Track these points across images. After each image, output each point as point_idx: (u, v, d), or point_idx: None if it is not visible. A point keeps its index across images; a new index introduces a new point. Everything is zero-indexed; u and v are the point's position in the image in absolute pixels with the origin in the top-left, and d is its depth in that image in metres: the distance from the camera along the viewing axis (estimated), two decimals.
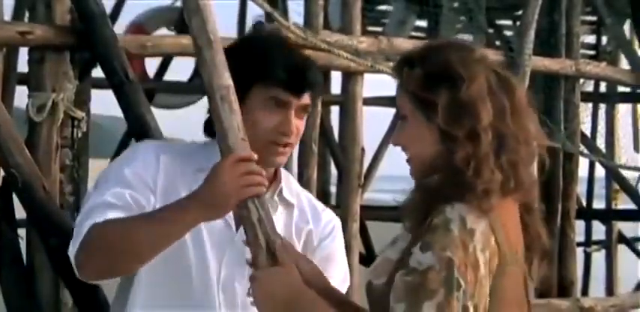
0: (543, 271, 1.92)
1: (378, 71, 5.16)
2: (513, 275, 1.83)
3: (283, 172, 2.21)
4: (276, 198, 2.16)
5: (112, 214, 2.00)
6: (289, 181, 2.22)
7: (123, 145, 6.95)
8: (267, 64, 2.06)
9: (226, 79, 1.95)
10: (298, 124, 2.10)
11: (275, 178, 2.17)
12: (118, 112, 4.08)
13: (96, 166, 4.57)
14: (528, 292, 1.88)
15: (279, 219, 2.12)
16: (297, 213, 2.19)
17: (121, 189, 2.04)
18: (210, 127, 2.07)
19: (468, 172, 1.77)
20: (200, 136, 2.21)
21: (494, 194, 1.79)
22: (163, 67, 8.88)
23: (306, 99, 2.10)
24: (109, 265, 2.01)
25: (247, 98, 2.07)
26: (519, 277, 1.85)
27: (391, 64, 5.38)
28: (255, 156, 1.92)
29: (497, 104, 1.81)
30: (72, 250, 2.04)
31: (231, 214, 2.05)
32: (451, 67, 1.81)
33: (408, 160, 1.89)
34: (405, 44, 5.41)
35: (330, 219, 2.24)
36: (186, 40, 4.29)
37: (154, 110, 4.34)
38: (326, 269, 2.02)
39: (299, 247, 2.14)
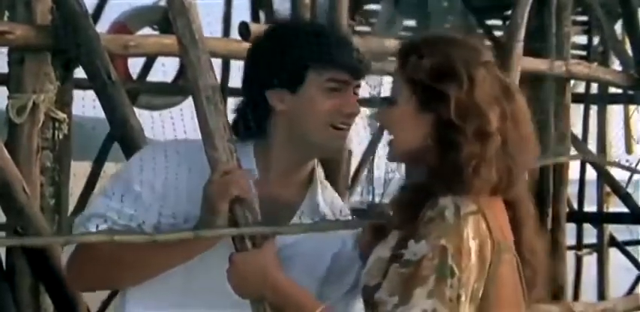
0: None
1: None
2: (508, 263, 1.88)
3: (319, 175, 2.16)
4: (307, 210, 2.11)
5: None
6: (325, 189, 2.17)
7: (105, 148, 6.93)
8: (320, 47, 2.03)
9: (212, 79, 1.97)
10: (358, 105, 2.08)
11: (310, 187, 2.12)
12: (101, 113, 4.08)
13: (77, 169, 4.56)
14: (522, 280, 1.92)
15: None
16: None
17: (124, 207, 2.01)
18: (236, 128, 2.07)
19: (467, 169, 1.81)
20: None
21: (484, 193, 1.84)
22: (147, 68, 8.87)
23: (358, 79, 2.08)
24: (100, 283, 2.05)
25: (302, 86, 2.04)
26: (514, 264, 1.90)
27: (380, 64, 5.39)
28: (236, 165, 1.93)
29: (501, 110, 1.86)
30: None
31: None
32: (460, 66, 1.86)
33: (390, 142, 1.94)
34: (394, 44, 5.42)
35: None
36: (169, 40, 4.29)
37: (137, 111, 4.34)
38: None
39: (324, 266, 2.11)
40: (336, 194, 2.22)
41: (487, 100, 1.85)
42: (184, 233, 1.90)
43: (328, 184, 2.21)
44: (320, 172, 2.17)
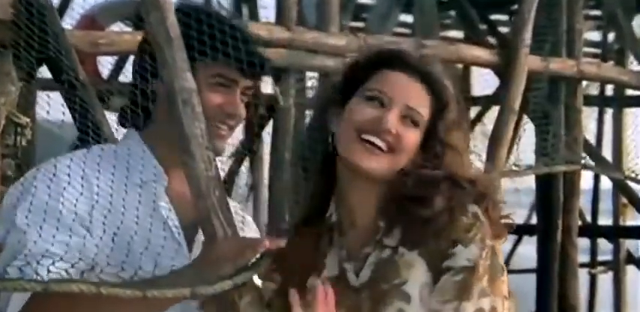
0: None
1: None
2: None
3: None
4: None
5: (61, 267, 1.94)
6: None
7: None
8: (212, 39, 2.08)
9: (189, 80, 1.99)
10: (243, 108, 2.14)
11: None
12: (68, 117, 4.08)
13: None
14: None
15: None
16: None
17: (61, 235, 1.97)
18: (124, 118, 2.14)
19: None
20: None
21: None
22: (119, 67, 8.88)
23: (250, 81, 2.14)
24: None
25: None
26: None
27: None
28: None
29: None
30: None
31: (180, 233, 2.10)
32: (460, 115, 2.10)
33: (393, 149, 2.00)
34: (387, 42, 5.44)
35: None
36: None
37: (109, 115, 4.35)
38: None
39: None
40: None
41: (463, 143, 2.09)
42: (181, 290, 1.89)
43: None
44: None
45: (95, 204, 2.02)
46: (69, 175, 2.02)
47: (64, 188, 2.01)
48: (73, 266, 1.94)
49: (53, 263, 1.93)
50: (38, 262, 1.92)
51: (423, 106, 2.02)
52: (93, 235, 2.00)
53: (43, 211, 1.97)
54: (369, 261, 1.97)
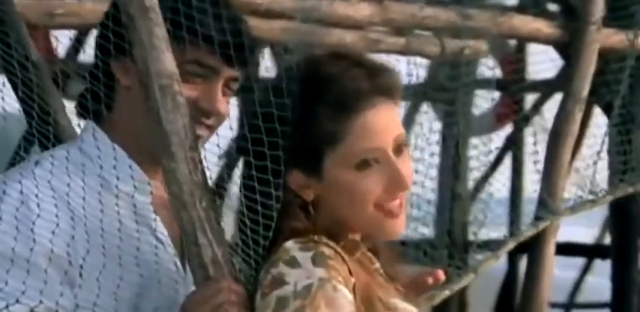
0: None
1: (386, 51, 5.22)
2: None
3: None
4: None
5: None
6: None
7: (20, 152, 6.96)
8: (191, 17, 2.09)
9: (169, 62, 2.00)
10: (225, 104, 2.17)
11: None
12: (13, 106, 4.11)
13: None
14: None
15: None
16: None
17: (43, 295, 2.05)
18: (82, 105, 2.23)
19: None
20: None
21: None
22: (78, 44, 8.91)
23: (236, 70, 2.16)
24: None
25: None
26: None
27: (403, 39, 5.44)
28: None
29: None
30: None
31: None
32: None
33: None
34: (420, 13, 5.46)
35: None
36: None
37: (67, 103, 4.37)
38: None
39: None
40: None
41: None
42: None
43: None
44: None
45: (76, 233, 2.07)
46: (38, 204, 2.07)
47: (33, 222, 2.05)
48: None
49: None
50: None
51: None
52: (80, 275, 2.08)
53: (24, 261, 2.04)
54: None
